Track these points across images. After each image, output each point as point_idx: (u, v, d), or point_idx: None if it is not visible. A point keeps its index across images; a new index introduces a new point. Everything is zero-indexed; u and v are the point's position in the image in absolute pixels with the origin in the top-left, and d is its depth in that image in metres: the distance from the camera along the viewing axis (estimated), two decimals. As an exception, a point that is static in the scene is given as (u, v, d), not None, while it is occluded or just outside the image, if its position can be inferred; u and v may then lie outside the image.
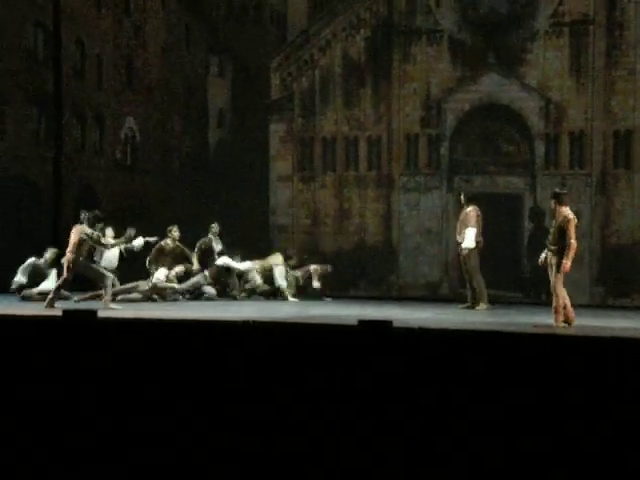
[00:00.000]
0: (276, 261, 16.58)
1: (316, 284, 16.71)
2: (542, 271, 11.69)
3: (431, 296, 21.31)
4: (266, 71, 26.00)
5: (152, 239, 14.81)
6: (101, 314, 8.40)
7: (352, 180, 24.52)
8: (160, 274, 15.22)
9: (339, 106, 24.64)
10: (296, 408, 7.24)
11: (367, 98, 24.44)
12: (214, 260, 16.39)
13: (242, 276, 16.37)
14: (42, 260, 15.15)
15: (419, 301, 17.41)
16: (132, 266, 15.34)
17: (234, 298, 15.92)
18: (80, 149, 25.64)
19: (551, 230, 11.39)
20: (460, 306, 14.52)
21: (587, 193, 22.70)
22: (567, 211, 11.26)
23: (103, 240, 13.49)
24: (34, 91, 23.17)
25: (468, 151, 23.89)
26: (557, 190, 11.98)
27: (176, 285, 15.44)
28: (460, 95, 23.76)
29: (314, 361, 7.38)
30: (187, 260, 16.07)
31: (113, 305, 13.10)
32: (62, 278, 13.06)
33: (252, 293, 16.41)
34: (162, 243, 15.73)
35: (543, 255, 11.39)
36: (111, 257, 14.79)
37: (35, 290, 14.59)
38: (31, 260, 15.20)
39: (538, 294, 19.42)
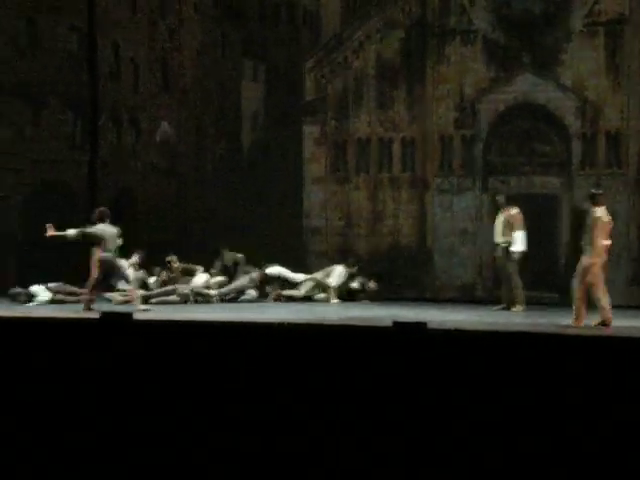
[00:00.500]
0: (338, 269, 16.46)
1: (372, 285, 16.77)
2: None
3: (466, 297, 21.21)
4: (300, 73, 26.04)
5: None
6: (136, 316, 8.46)
7: (386, 182, 24.48)
8: (199, 279, 15.23)
9: (373, 108, 24.60)
10: (330, 409, 7.25)
11: (401, 99, 24.38)
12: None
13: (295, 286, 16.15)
14: (127, 262, 15.07)
15: (454, 303, 17.36)
16: None
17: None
18: (115, 152, 25.78)
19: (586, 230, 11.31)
20: (495, 307, 14.44)
21: (624, 193, 22.49)
22: (599, 211, 11.16)
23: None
24: (70, 95, 23.31)
25: (503, 152, 23.77)
26: (593, 190, 11.90)
27: (212, 292, 15.33)
28: (494, 95, 23.65)
29: (349, 362, 7.38)
30: (191, 273, 15.85)
31: (142, 306, 13.15)
32: (93, 278, 13.06)
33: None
34: (163, 276, 15.58)
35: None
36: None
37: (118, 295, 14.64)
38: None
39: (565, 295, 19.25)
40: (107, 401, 7.59)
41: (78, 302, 13.76)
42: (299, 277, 16.29)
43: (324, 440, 7.15)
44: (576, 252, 12.46)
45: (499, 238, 14.49)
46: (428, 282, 23.57)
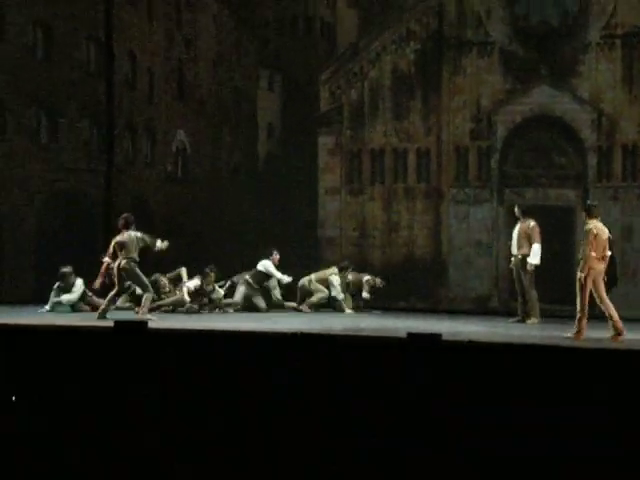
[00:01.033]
0: (332, 273, 16.46)
1: (366, 295, 16.58)
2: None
3: (481, 309, 21.15)
4: (315, 84, 26.13)
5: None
6: (151, 325, 8.47)
7: (401, 192, 24.49)
8: (191, 284, 15.18)
9: (388, 118, 24.64)
10: (345, 419, 7.23)
11: (416, 110, 24.41)
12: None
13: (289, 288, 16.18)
14: (164, 278, 15.12)
15: (469, 314, 17.27)
16: None
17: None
18: (131, 161, 25.87)
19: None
20: (510, 320, 14.37)
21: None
22: (593, 223, 11.11)
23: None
24: (86, 104, 23.41)
25: (519, 163, 23.76)
26: (588, 202, 11.93)
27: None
28: (511, 107, 23.65)
29: (363, 373, 7.37)
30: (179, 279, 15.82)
31: (149, 315, 13.13)
32: (116, 290, 13.08)
33: (319, 307, 16.15)
34: (197, 286, 15.52)
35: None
36: None
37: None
38: (155, 276, 15.23)
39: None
40: (119, 408, 7.60)
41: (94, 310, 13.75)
42: (286, 278, 16.18)
43: (341, 450, 7.14)
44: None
45: (515, 250, 14.42)
46: (442, 294, 23.54)
